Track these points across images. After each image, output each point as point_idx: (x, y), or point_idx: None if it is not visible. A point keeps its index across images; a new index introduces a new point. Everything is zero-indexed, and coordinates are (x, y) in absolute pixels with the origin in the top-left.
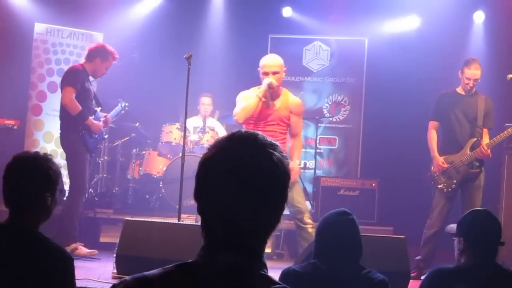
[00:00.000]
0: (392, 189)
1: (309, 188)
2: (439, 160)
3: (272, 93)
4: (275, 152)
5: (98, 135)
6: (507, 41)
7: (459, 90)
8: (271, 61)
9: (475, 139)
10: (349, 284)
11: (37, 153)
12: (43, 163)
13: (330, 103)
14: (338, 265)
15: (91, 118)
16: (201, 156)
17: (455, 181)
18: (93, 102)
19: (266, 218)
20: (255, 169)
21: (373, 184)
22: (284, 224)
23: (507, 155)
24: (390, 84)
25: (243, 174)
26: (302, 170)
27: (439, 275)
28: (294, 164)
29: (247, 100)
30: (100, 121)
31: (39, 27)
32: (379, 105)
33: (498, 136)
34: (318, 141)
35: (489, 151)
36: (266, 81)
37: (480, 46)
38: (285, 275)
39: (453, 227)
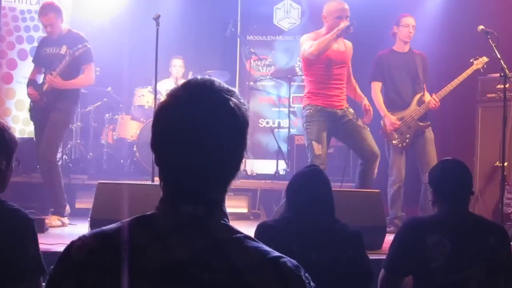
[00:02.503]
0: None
1: (284, 147)
2: (392, 118)
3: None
4: (232, 98)
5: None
6: None
7: (396, 48)
8: (344, 5)
9: (420, 94)
10: (322, 237)
11: None
12: None
13: (302, 61)
14: (310, 218)
15: (31, 86)
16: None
17: (408, 135)
18: (51, 66)
19: (225, 166)
20: (212, 116)
21: None
22: (260, 184)
23: (480, 108)
24: (359, 40)
25: (199, 121)
26: (276, 129)
27: (412, 226)
28: (367, 102)
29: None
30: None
31: None
32: None
33: (446, 87)
34: (291, 100)
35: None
36: (345, 23)
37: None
38: (259, 228)
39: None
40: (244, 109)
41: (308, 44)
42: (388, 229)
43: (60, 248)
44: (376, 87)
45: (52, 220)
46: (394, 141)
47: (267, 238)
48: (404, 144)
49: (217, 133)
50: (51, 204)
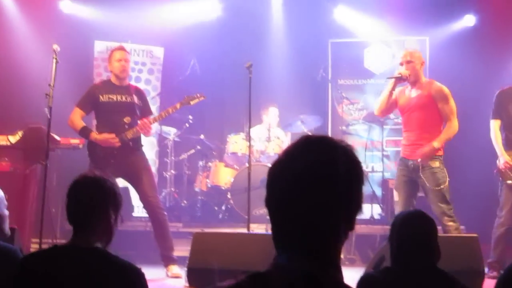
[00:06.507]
0: (461, 188)
1: (378, 191)
2: (507, 158)
3: (411, 82)
4: (344, 155)
5: (110, 149)
6: None
7: None
8: (404, 52)
9: None
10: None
11: (100, 173)
12: (108, 182)
13: None
14: (416, 269)
15: (94, 133)
16: (268, 164)
17: None
18: (122, 113)
19: (338, 222)
20: (323, 173)
21: None
22: (355, 228)
23: None
24: (453, 83)
25: (312, 178)
26: (370, 173)
27: None
28: (428, 146)
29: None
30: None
31: (99, 45)
32: None
33: None
34: (384, 144)
35: None
36: (395, 72)
37: None
38: (363, 281)
39: None
40: (355, 166)
41: None
42: (489, 274)
43: None
44: (495, 126)
45: (172, 269)
46: (509, 181)
47: None
48: None
49: (329, 190)
50: (166, 252)
